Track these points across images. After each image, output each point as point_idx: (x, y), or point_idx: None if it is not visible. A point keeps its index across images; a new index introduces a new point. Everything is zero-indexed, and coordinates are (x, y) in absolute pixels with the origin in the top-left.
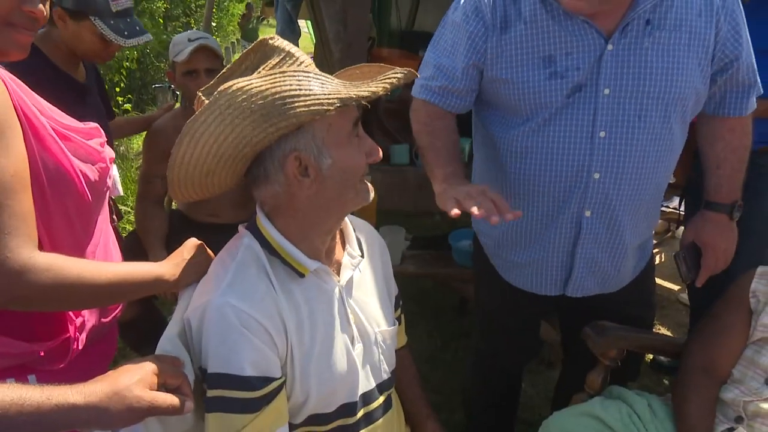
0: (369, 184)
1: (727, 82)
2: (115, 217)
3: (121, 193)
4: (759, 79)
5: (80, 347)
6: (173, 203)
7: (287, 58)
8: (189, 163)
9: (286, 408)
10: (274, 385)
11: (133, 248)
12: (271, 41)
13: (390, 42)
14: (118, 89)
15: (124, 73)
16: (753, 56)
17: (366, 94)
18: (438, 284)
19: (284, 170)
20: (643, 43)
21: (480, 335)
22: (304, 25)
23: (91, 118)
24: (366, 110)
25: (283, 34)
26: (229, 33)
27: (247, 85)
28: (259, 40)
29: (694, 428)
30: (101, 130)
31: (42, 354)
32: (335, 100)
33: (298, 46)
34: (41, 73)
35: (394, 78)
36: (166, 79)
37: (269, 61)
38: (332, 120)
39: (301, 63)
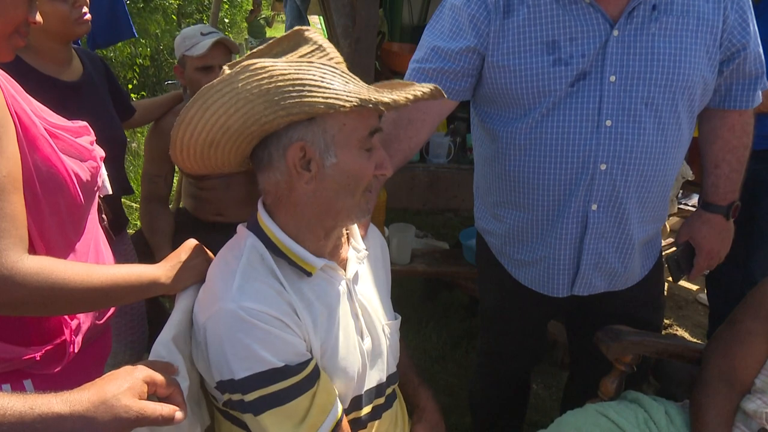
0: (369, 204)
1: (734, 72)
2: (104, 216)
3: (110, 192)
4: (766, 71)
5: (76, 350)
6: (180, 202)
7: (318, 51)
8: (195, 128)
9: (331, 384)
10: (313, 363)
11: (138, 248)
12: (306, 33)
13: (401, 37)
14: (130, 86)
15: (137, 69)
16: (760, 46)
17: (386, 100)
18: (448, 283)
19: (286, 157)
20: (650, 28)
21: (485, 337)
22: (318, 21)
23: (84, 117)
24: None
25: (291, 29)
26: (243, 29)
27: (272, 65)
28: (295, 29)
29: None
30: (90, 128)
31: (38, 358)
32: (354, 99)
33: None
34: (21, 78)
35: (419, 92)
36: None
37: (299, 50)
38: (348, 120)
39: (332, 58)
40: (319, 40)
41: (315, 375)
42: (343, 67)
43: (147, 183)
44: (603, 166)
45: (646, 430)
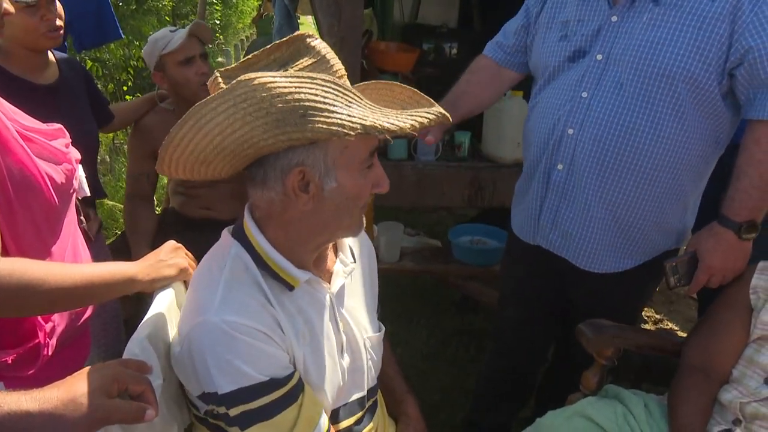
0: (364, 219)
1: (754, 79)
2: (83, 218)
3: (88, 194)
4: None
5: (50, 353)
6: (170, 201)
7: (321, 63)
8: (186, 147)
9: (316, 396)
10: (297, 375)
11: (121, 248)
12: (308, 39)
13: (392, 35)
14: (125, 88)
15: (131, 71)
16: None
17: (392, 128)
18: (437, 281)
19: (284, 181)
20: (642, 17)
21: (498, 318)
22: (312, 21)
23: (58, 119)
24: None
25: (280, 29)
26: (238, 30)
27: (272, 81)
28: (296, 34)
29: (686, 428)
30: (65, 130)
31: (10, 362)
32: (358, 126)
33: None
34: None
35: (426, 119)
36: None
37: (301, 61)
38: (349, 143)
39: (335, 72)
40: (322, 50)
41: (300, 387)
42: (346, 81)
43: (131, 181)
44: (570, 131)
45: (624, 425)
